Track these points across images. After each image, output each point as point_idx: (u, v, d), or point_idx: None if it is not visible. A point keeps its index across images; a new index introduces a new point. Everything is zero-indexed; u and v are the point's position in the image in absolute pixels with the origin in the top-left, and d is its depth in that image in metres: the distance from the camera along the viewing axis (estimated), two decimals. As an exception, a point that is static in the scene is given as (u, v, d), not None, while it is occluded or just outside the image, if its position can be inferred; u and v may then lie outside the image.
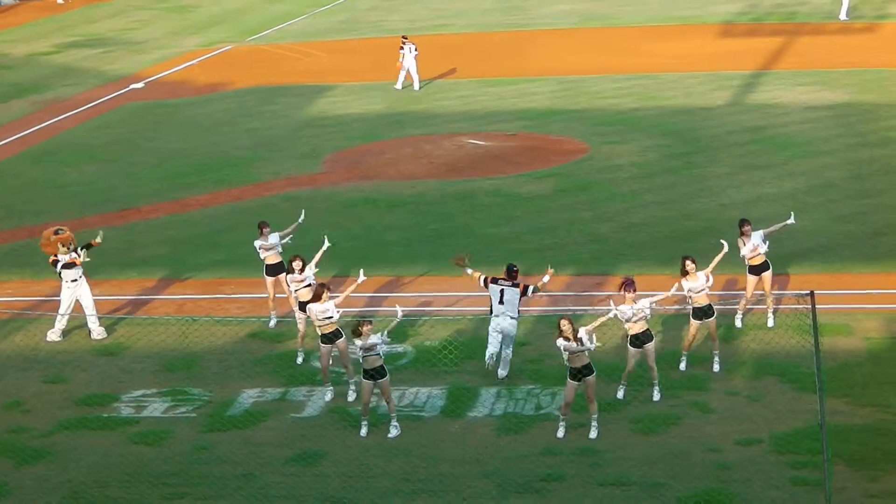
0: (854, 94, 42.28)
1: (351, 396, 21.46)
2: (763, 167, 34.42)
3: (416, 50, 47.60)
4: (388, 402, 20.18)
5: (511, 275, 21.97)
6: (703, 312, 21.56)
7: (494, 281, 21.90)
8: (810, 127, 38.47)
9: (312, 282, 22.66)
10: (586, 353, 19.33)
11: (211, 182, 36.01)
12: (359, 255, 28.71)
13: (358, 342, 19.79)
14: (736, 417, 20.10)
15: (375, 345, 19.68)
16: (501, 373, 21.77)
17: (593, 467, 18.76)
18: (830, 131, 37.78)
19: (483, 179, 34.80)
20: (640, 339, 20.60)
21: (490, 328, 21.76)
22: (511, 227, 30.48)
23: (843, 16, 58.20)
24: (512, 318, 21.56)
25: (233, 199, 34.26)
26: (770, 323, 23.43)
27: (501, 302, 21.64)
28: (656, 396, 20.84)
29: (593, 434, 19.71)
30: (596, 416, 19.80)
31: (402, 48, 47.85)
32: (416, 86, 47.74)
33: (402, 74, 47.83)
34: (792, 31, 55.66)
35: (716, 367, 21.78)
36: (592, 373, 19.52)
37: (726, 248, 22.44)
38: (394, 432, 20.13)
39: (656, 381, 20.89)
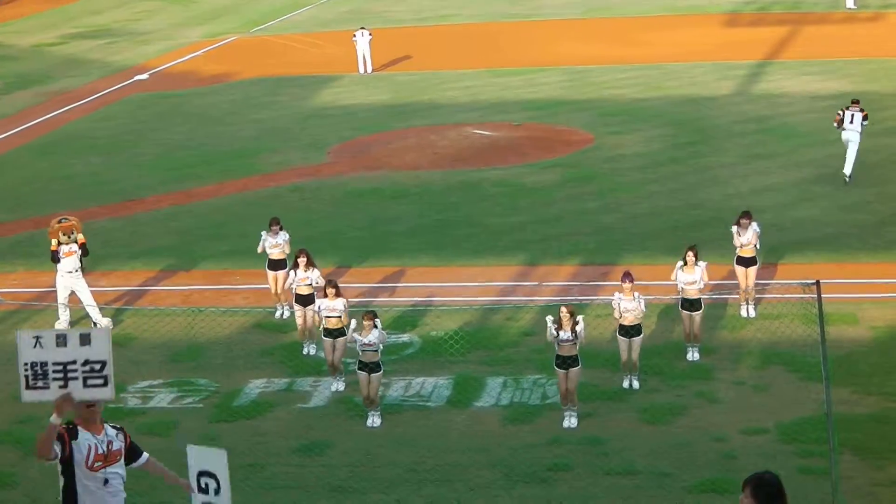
0: (859, 84, 42.24)
1: (339, 387, 21.49)
2: (768, 157, 34.42)
3: (370, 35, 48.82)
4: (372, 398, 20.16)
5: (856, 103, 31.58)
6: (689, 304, 21.69)
7: (846, 108, 31.35)
8: (816, 116, 38.45)
9: (313, 282, 22.68)
10: (576, 345, 19.42)
11: (216, 173, 36.02)
12: (364, 246, 28.77)
13: (358, 337, 19.84)
14: (742, 407, 20.12)
15: (373, 342, 19.76)
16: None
17: (600, 457, 18.78)
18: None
19: (489, 170, 34.80)
20: (628, 331, 20.71)
21: (843, 139, 31.35)
22: (517, 217, 30.49)
23: (849, 4, 58.12)
24: (854, 131, 30.92)
25: (238, 189, 34.28)
26: (747, 314, 23.47)
27: (852, 122, 30.96)
28: (636, 384, 20.89)
29: (572, 423, 19.66)
30: (576, 407, 19.80)
31: (354, 36, 48.58)
32: (369, 69, 48.76)
33: (360, 59, 48.43)
34: (797, 21, 55.63)
35: (695, 356, 21.84)
36: (578, 365, 19.55)
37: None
38: (377, 422, 20.14)
39: (636, 374, 20.95)
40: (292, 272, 23.05)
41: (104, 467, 12.00)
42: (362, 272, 27.10)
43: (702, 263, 21.72)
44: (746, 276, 23.59)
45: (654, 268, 25.11)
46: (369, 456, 19.14)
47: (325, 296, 21.29)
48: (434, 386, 21.52)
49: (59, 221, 24.73)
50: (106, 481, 12.00)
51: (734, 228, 23.60)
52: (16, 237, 31.13)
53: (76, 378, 11.60)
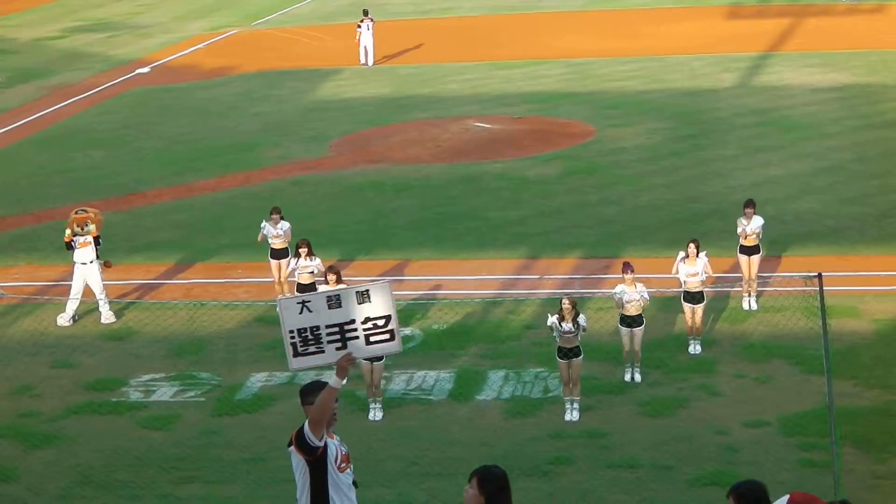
0: (860, 76, 42.24)
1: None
2: (770, 149, 34.39)
3: (372, 27, 48.85)
4: (375, 386, 20.19)
5: None
6: (691, 297, 21.70)
7: None
8: (817, 109, 38.43)
9: (314, 270, 22.75)
10: (577, 336, 19.45)
11: (217, 166, 36.01)
12: (365, 240, 28.77)
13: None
14: (744, 400, 20.11)
15: None
16: None
17: (602, 450, 18.77)
18: (837, 113, 37.76)
19: (490, 163, 34.78)
20: (631, 321, 20.74)
21: None
22: (518, 210, 30.47)
23: (850, -4, 58.06)
24: None
25: (239, 183, 34.27)
26: (749, 306, 23.48)
27: None
28: (637, 378, 20.88)
29: (574, 416, 19.65)
30: (578, 399, 19.81)
31: (359, 26, 48.61)
32: (370, 61, 48.89)
33: (362, 51, 48.49)
34: (798, 13, 55.57)
35: (697, 349, 21.86)
36: (580, 355, 19.58)
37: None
38: (379, 415, 20.15)
39: (637, 364, 20.97)
40: (293, 261, 23.19)
41: (348, 468, 11.63)
42: (363, 265, 27.10)
43: (703, 256, 21.76)
44: (750, 266, 23.59)
45: (655, 260, 25.09)
46: (371, 450, 19.14)
47: (327, 283, 21.34)
48: (436, 379, 21.52)
49: (77, 212, 24.93)
50: (354, 483, 11.64)
51: (739, 220, 23.65)
52: (17, 231, 31.13)
53: (356, 337, 11.17)
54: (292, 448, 11.31)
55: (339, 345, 11.17)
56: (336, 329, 11.15)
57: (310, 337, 11.19)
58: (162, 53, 55.01)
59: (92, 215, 24.95)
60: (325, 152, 37.17)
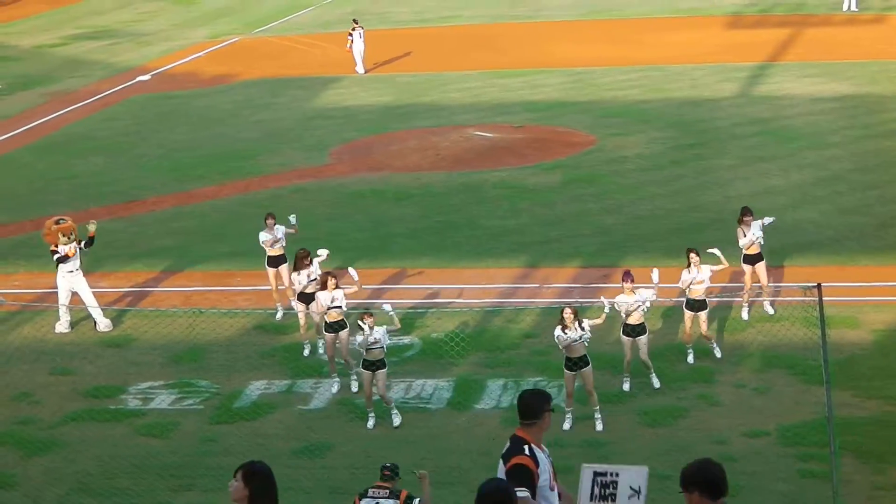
0: (861, 86, 42.22)
1: (354, 387, 21.51)
2: (769, 159, 34.38)
3: (363, 35, 48.92)
4: (382, 396, 20.17)
5: None
6: (692, 305, 21.68)
7: None
8: (817, 119, 38.41)
9: (317, 277, 22.70)
10: (584, 342, 19.43)
11: (218, 174, 36.01)
12: (365, 247, 28.76)
13: (359, 338, 19.84)
14: (743, 410, 20.11)
15: (378, 339, 19.79)
16: None
17: (600, 459, 18.71)
18: (837, 123, 37.74)
19: (490, 171, 34.78)
20: (634, 330, 20.73)
21: None
22: (518, 219, 30.48)
23: (852, 6, 57.96)
24: None
25: (239, 190, 34.27)
26: (770, 311, 23.47)
27: None
28: (656, 384, 20.89)
29: (599, 426, 19.73)
30: (598, 408, 19.81)
31: (350, 34, 48.66)
32: (363, 70, 49.05)
33: (358, 59, 48.52)
34: (799, 23, 55.56)
35: (717, 354, 21.93)
36: (588, 364, 19.57)
37: (723, 263, 22.51)
38: (396, 420, 20.18)
39: (652, 371, 20.99)
40: (295, 275, 22.92)
41: (556, 486, 11.32)
42: (363, 273, 26.91)
43: (708, 267, 21.71)
44: (755, 273, 23.47)
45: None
46: (369, 458, 19.13)
47: (325, 288, 21.33)
48: (435, 388, 21.52)
49: (57, 223, 24.81)
50: (560, 496, 11.36)
51: (738, 231, 23.59)
52: (18, 238, 31.13)
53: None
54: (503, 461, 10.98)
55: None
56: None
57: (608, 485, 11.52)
58: (163, 61, 55.02)
59: (70, 222, 24.91)
60: (325, 160, 37.18)
